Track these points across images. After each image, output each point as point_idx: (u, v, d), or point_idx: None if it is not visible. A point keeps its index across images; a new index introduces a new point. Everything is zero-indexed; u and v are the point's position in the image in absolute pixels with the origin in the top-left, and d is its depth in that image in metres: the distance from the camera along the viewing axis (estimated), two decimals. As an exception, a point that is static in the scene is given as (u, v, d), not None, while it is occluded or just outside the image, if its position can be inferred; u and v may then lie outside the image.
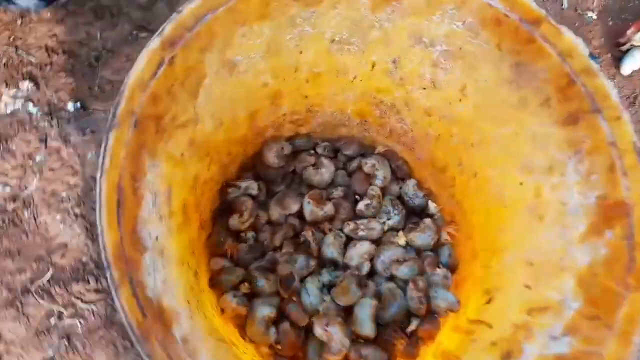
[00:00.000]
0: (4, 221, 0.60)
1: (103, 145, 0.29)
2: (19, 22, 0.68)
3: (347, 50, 0.47)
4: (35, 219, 0.61)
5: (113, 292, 0.27)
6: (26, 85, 0.66)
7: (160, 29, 0.32)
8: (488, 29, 0.39)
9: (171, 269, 0.39)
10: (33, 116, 0.65)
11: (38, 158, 0.64)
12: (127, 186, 0.31)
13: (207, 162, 0.51)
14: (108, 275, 0.27)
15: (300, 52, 0.46)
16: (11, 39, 0.68)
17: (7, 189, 0.62)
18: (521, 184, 0.46)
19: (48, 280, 0.59)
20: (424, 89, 0.50)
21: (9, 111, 0.65)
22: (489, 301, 0.50)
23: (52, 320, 0.57)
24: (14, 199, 0.62)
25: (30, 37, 0.68)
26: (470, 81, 0.45)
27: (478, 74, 0.44)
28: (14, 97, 0.66)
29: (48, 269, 0.59)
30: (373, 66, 0.49)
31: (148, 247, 0.34)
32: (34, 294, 0.58)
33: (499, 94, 0.44)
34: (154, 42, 0.31)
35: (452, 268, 0.58)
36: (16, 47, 0.67)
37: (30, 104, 0.66)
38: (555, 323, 0.40)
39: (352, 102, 0.57)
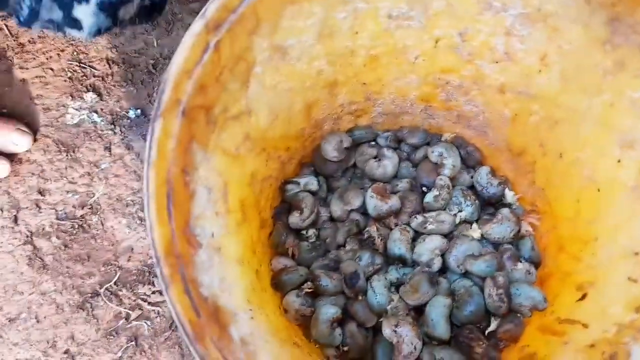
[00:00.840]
0: (73, 227, 0.62)
1: (149, 137, 0.27)
2: (81, 36, 0.70)
3: (406, 27, 0.43)
4: (102, 224, 0.62)
5: (164, 290, 0.25)
6: (90, 96, 0.68)
7: (203, 11, 0.30)
8: (572, -19, 0.34)
9: (230, 268, 0.37)
10: (97, 125, 0.67)
11: (103, 165, 0.65)
12: (177, 179, 0.29)
13: (265, 158, 0.48)
14: (158, 271, 0.25)
15: (356, 33, 0.43)
16: (74, 53, 0.70)
17: (76, 197, 0.63)
18: (619, 161, 0.39)
19: (116, 283, 0.60)
20: (497, 62, 0.45)
21: (75, 122, 0.67)
22: (582, 297, 0.44)
23: (120, 322, 0.58)
24: (82, 205, 0.63)
25: (92, 50, 0.70)
26: (553, 47, 0.39)
27: (562, 37, 0.38)
28: (79, 109, 0.68)
29: (116, 273, 0.60)
30: (437, 42, 0.45)
31: (203, 244, 0.32)
32: (103, 296, 0.59)
33: (589, 59, 0.38)
34: (197, 25, 0.29)
35: (536, 262, 0.52)
36: (79, 61, 0.69)
37: (95, 114, 0.67)
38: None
39: (414, 87, 0.53)
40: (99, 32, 0.45)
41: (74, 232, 0.62)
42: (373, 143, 0.61)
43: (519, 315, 0.50)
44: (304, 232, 0.56)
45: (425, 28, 0.43)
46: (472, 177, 0.58)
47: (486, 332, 0.49)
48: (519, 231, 0.53)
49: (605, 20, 0.34)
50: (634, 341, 0.33)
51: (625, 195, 0.39)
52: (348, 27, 0.42)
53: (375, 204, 0.55)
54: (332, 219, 0.58)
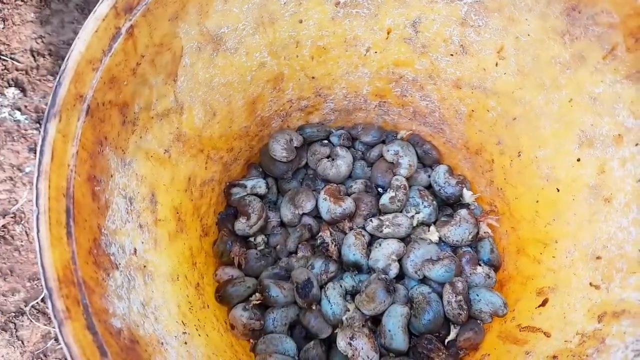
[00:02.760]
0: (-7, 238, 0.55)
1: (40, 141, 0.22)
2: (1, 26, 0.62)
3: (355, 15, 0.39)
4: (27, 235, 0.56)
5: (56, 328, 0.20)
6: (12, 92, 0.61)
7: (110, -10, 0.25)
8: (529, -33, 0.31)
9: (158, 287, 0.32)
10: (21, 124, 0.60)
11: (28, 169, 0.59)
12: (81, 191, 0.24)
13: (203, 160, 0.44)
14: (50, 306, 0.21)
15: (300, 21, 0.39)
16: (-5, 43, 0.63)
17: (-3, 204, 0.57)
18: (579, 160, 0.37)
19: (43, 300, 0.53)
20: (452, 55, 0.42)
21: (-5, 120, 0.60)
22: (543, 303, 0.42)
23: (49, 343, 0.52)
24: (4, 214, 0.57)
25: (14, 41, 0.63)
26: (510, 39, 0.37)
27: (519, 28, 0.35)
28: (0, 106, 0.61)
29: (43, 288, 0.54)
30: (389, 33, 0.41)
31: (120, 264, 0.27)
32: (29, 315, 0.53)
33: (546, 52, 0.35)
34: (104, 6, 0.25)
35: (495, 265, 0.50)
36: None
37: (18, 112, 0.61)
38: (638, 331, 0.31)
39: (367, 81, 0.49)
40: None
41: (-6, 244, 0.55)
42: (325, 142, 0.57)
43: (479, 322, 0.47)
44: (251, 239, 0.52)
45: (376, 17, 0.40)
46: (429, 177, 0.55)
47: (446, 341, 0.47)
48: (477, 233, 0.50)
49: (563, 10, 0.32)
50: (598, 354, 0.31)
51: (586, 195, 0.37)
52: (291, 14, 0.38)
53: (328, 207, 0.51)
54: (282, 224, 0.54)
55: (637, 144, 0.32)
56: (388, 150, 0.54)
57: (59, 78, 0.23)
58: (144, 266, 0.31)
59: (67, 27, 0.64)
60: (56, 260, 0.22)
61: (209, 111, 0.40)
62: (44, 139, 0.23)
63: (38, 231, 0.22)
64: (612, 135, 0.33)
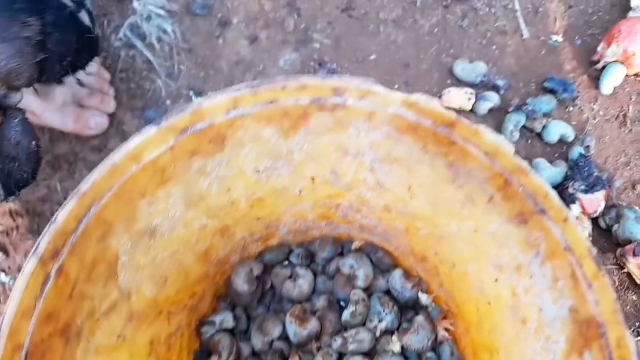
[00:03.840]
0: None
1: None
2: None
3: (277, 175, 0.44)
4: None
5: None
6: (-5, 256, 0.66)
7: (35, 246, 0.29)
8: (407, 134, 0.35)
9: None
10: (6, 285, 0.64)
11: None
12: None
13: (164, 318, 0.47)
14: None
15: (228, 190, 0.43)
16: (-26, 210, 0.68)
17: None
18: (496, 280, 0.40)
19: None
20: (373, 190, 0.46)
21: (-20, 286, 0.64)
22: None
23: None
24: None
25: (-8, 205, 0.68)
26: (414, 181, 0.41)
27: (417, 174, 0.39)
28: (-15, 271, 0.65)
29: None
30: (313, 180, 0.46)
31: None
32: None
33: (445, 192, 0.39)
34: (30, 265, 0.29)
35: (460, 365, 0.52)
36: (-19, 218, 0.67)
37: (2, 274, 0.65)
38: None
39: (309, 210, 0.53)
40: None
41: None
42: (286, 263, 0.60)
43: None
44: (226, 373, 0.55)
45: (296, 172, 0.44)
46: (387, 282, 0.58)
47: None
48: (436, 338, 0.53)
49: (445, 165, 0.36)
50: None
51: (508, 313, 0.39)
52: (217, 189, 0.42)
53: (294, 330, 0.54)
54: (254, 353, 0.56)
55: (531, 277, 0.35)
56: (343, 265, 0.57)
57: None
58: None
59: (41, 185, 0.70)
60: None
61: (160, 280, 0.44)
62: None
63: None
64: (513, 266, 0.37)
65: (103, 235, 0.34)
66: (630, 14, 0.71)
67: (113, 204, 0.33)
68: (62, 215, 0.30)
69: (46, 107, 0.65)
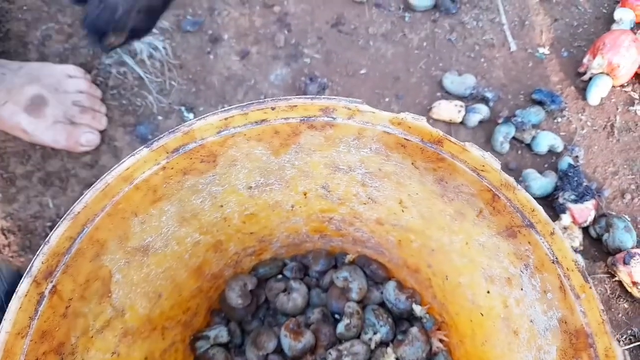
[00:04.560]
0: None
1: None
2: (-28, 210, 0.68)
3: (270, 190, 0.44)
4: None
5: None
6: (-11, 274, 0.65)
7: (29, 266, 0.29)
8: (396, 151, 0.36)
9: None
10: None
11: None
12: None
13: (159, 334, 0.47)
14: None
15: (221, 206, 0.43)
16: (-32, 229, 0.68)
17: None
18: (488, 292, 0.41)
19: None
20: (365, 204, 0.46)
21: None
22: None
23: None
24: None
25: (-16, 223, 0.68)
26: (404, 196, 0.41)
27: (408, 189, 0.40)
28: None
29: None
30: (305, 195, 0.46)
31: None
32: None
33: (435, 206, 0.40)
34: (24, 286, 0.29)
35: (455, 376, 0.52)
36: (-28, 237, 0.67)
37: (-5, 294, 0.64)
38: None
39: (302, 225, 0.54)
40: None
41: None
42: (280, 276, 0.61)
43: None
44: (221, 389, 0.55)
45: (288, 188, 0.45)
46: (381, 294, 0.58)
47: None
48: (430, 349, 0.53)
49: (434, 180, 0.36)
50: None
51: (501, 324, 0.40)
52: (210, 205, 0.42)
53: (289, 344, 0.54)
54: (249, 367, 0.56)
55: (521, 288, 0.35)
56: (337, 277, 0.57)
57: (-11, 362, 0.27)
58: None
59: (32, 202, 0.69)
60: None
61: (153, 296, 0.44)
62: None
63: None
64: (504, 277, 0.37)
65: (96, 254, 0.34)
66: (614, 26, 0.73)
67: (106, 223, 0.33)
68: (56, 236, 0.30)
69: (37, 125, 0.66)
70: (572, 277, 0.30)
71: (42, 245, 0.30)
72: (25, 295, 0.29)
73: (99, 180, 0.31)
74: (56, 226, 0.30)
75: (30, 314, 0.30)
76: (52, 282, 0.31)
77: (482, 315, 0.43)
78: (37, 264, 0.30)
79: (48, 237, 0.30)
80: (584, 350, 0.29)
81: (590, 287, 0.29)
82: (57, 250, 0.31)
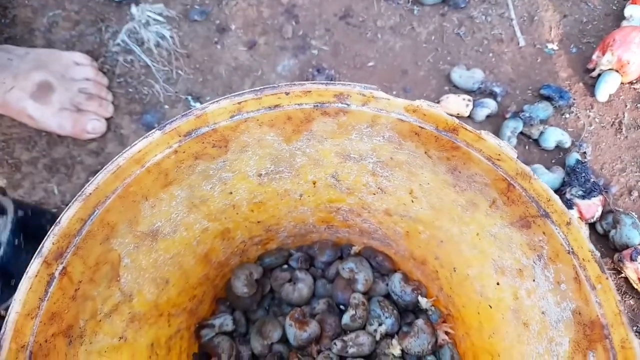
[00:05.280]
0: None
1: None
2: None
3: (279, 178, 0.44)
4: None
5: None
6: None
7: (40, 247, 0.29)
8: (409, 139, 0.35)
9: None
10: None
11: None
12: None
13: (165, 321, 0.47)
14: None
15: (230, 193, 0.43)
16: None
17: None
18: (498, 284, 0.40)
19: None
20: (374, 194, 0.46)
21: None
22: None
23: None
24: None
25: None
26: (415, 185, 0.41)
27: (419, 178, 0.40)
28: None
29: None
30: (314, 184, 0.46)
31: None
32: None
33: (447, 196, 0.39)
34: (34, 266, 0.29)
35: (459, 369, 0.52)
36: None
37: None
38: None
39: (309, 215, 0.54)
40: None
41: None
42: (285, 266, 0.60)
43: None
44: (226, 377, 0.54)
45: (298, 176, 0.44)
46: (387, 285, 0.58)
47: None
48: (436, 341, 0.53)
49: (447, 170, 0.36)
50: None
51: (510, 316, 0.40)
52: (220, 192, 0.42)
53: (294, 333, 0.54)
54: (254, 355, 0.56)
55: (534, 280, 0.35)
56: (343, 268, 0.57)
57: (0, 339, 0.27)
58: None
59: (38, 188, 0.69)
60: None
61: (161, 282, 0.43)
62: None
63: None
64: (515, 269, 0.37)
65: (106, 237, 0.34)
66: (624, 23, 0.73)
67: (117, 206, 0.33)
68: (67, 217, 0.30)
69: (44, 112, 0.65)
70: (588, 268, 0.29)
71: (53, 226, 0.30)
72: (36, 275, 0.29)
73: (110, 162, 0.31)
74: (67, 207, 0.30)
75: (40, 295, 0.29)
76: (62, 263, 0.30)
77: (491, 307, 0.43)
78: (48, 244, 0.29)
79: (59, 218, 0.30)
80: (599, 341, 0.29)
81: (607, 278, 0.29)
82: (68, 232, 0.31)
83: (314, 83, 0.33)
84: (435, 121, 0.33)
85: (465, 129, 0.32)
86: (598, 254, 0.29)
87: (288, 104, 0.35)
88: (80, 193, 0.31)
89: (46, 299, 0.30)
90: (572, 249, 0.30)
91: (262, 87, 0.34)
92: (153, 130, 0.32)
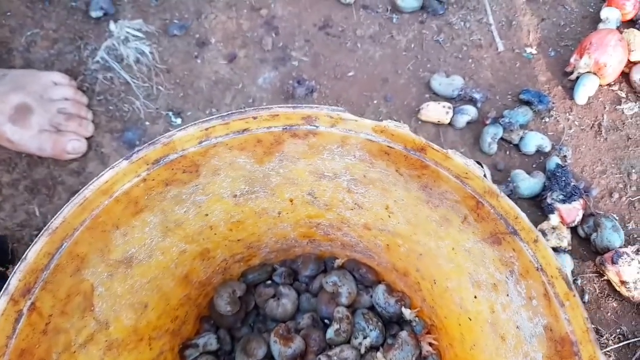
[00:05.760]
0: None
1: None
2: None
3: (255, 198, 0.44)
4: None
5: None
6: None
7: (6, 285, 0.29)
8: (380, 158, 0.36)
9: None
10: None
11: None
12: None
13: (146, 345, 0.47)
14: None
15: (206, 215, 0.43)
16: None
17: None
18: (475, 297, 0.41)
19: None
20: (352, 209, 0.46)
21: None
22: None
23: None
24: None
25: (-29, 234, 0.67)
26: (390, 202, 0.41)
27: (393, 195, 0.40)
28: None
29: None
30: (292, 201, 0.46)
31: None
32: None
33: (421, 212, 0.39)
34: (0, 304, 0.28)
35: (445, 380, 0.52)
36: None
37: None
38: None
39: (290, 230, 0.54)
40: None
41: None
42: (269, 282, 0.60)
43: None
44: (211, 398, 0.54)
45: (274, 195, 0.44)
46: (371, 297, 0.58)
47: None
48: (420, 353, 0.53)
49: (419, 187, 0.36)
50: None
51: (488, 329, 0.40)
52: (194, 214, 0.42)
53: (279, 350, 0.54)
54: (239, 374, 0.56)
55: (507, 294, 0.35)
56: (327, 282, 0.57)
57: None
58: None
59: (19, 210, 0.69)
60: None
61: (139, 307, 0.43)
62: None
63: None
64: (490, 283, 0.37)
65: (77, 268, 0.34)
66: (601, 25, 0.73)
67: (86, 237, 0.33)
68: (33, 252, 0.30)
69: (22, 135, 0.65)
70: (556, 285, 0.30)
71: (18, 263, 0.29)
72: (2, 314, 0.29)
73: (77, 195, 0.31)
74: (33, 243, 0.30)
75: (8, 333, 0.29)
76: (30, 299, 0.30)
77: (470, 319, 0.43)
78: (14, 282, 0.29)
79: (25, 253, 0.29)
80: (569, 358, 0.29)
81: (575, 295, 0.29)
82: (35, 267, 0.30)
83: (280, 107, 0.33)
84: (403, 141, 0.33)
85: (433, 148, 0.32)
86: (566, 271, 0.29)
87: (257, 127, 0.35)
88: (46, 227, 0.30)
89: (14, 336, 0.29)
90: (540, 265, 0.30)
91: (229, 112, 0.34)
92: (119, 161, 0.32)
